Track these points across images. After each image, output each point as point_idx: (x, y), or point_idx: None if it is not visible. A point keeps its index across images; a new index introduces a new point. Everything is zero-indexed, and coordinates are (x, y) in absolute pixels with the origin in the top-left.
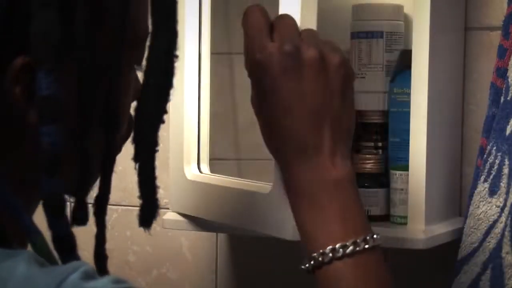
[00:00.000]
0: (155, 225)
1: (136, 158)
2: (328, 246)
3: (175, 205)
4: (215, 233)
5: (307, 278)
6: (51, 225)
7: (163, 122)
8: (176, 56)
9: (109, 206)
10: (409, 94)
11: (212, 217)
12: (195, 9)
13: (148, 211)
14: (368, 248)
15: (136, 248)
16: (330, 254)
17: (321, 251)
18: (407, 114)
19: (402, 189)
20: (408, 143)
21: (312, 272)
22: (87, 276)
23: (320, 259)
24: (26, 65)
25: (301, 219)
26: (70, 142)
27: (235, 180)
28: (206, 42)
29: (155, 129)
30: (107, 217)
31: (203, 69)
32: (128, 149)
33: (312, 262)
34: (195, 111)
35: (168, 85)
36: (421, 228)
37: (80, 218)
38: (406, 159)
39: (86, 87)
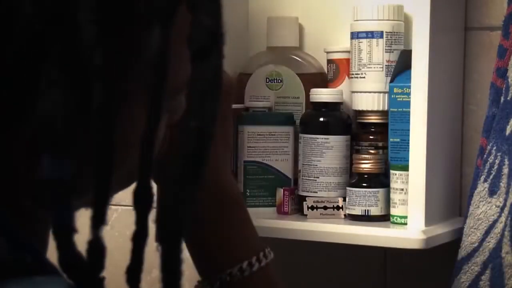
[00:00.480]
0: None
1: (159, 241)
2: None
3: None
4: None
5: (307, 278)
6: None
7: (193, 206)
8: (213, 137)
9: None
10: (409, 94)
11: None
12: None
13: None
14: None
15: None
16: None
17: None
18: (407, 114)
19: (402, 189)
20: (408, 143)
21: None
22: None
23: (227, 279)
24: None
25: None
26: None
27: None
28: None
29: (182, 214)
30: (107, 217)
31: None
32: None
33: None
34: None
35: (201, 167)
36: (421, 228)
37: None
38: (406, 159)
39: (102, 174)
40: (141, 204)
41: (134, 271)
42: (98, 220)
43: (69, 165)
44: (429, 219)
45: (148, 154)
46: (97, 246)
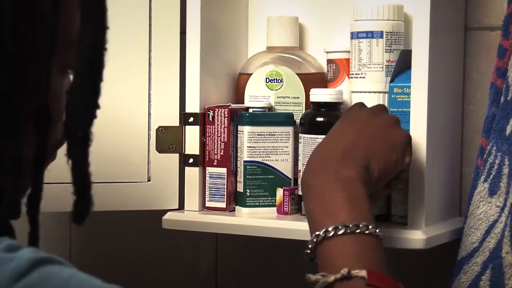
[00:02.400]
0: (155, 225)
1: (68, 154)
2: (331, 225)
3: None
4: (215, 233)
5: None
6: None
7: (95, 117)
8: (105, 49)
9: None
10: (409, 94)
11: None
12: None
13: (82, 207)
14: (368, 233)
15: (136, 248)
16: (332, 232)
17: (324, 229)
18: (407, 114)
19: (402, 189)
20: None
21: (314, 253)
22: (10, 249)
23: (323, 235)
24: None
25: (310, 208)
26: (1, 142)
27: None
28: None
29: (87, 124)
30: (107, 218)
31: None
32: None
33: (315, 240)
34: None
35: (97, 78)
36: (421, 228)
37: (13, 211)
38: None
39: (13, 86)
40: (39, 120)
41: (34, 195)
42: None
43: None
44: (429, 219)
45: (45, 74)
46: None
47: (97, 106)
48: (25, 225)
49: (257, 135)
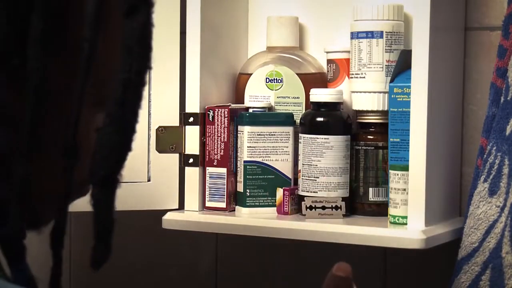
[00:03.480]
0: (155, 225)
1: (91, 194)
2: None
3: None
4: (215, 233)
5: (307, 278)
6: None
7: (124, 159)
8: (143, 89)
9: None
10: (409, 94)
11: None
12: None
13: (100, 253)
14: None
15: (136, 248)
16: None
17: None
18: (407, 114)
19: (402, 189)
20: (408, 143)
21: None
22: None
23: None
24: None
25: None
26: (23, 165)
27: None
28: None
29: (113, 166)
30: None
31: None
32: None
33: None
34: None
35: (133, 119)
36: (421, 228)
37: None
38: (406, 159)
39: (35, 117)
40: (67, 156)
41: (58, 228)
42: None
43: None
44: (429, 219)
45: (78, 108)
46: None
47: (128, 149)
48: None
49: (257, 135)
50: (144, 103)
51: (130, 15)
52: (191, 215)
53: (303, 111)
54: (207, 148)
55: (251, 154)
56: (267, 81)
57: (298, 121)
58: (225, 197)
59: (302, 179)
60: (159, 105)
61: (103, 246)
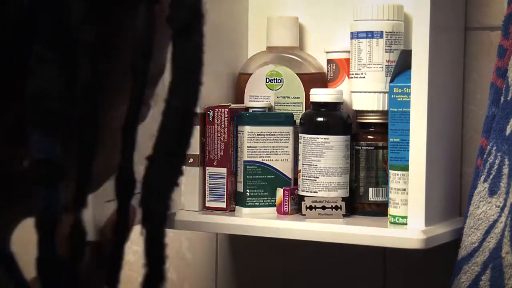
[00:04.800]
0: None
1: (143, 224)
2: None
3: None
4: (215, 233)
5: (307, 278)
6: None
7: (177, 185)
8: (196, 115)
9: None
10: (409, 94)
11: None
12: None
13: (154, 283)
14: None
15: (136, 248)
16: None
17: None
18: (407, 114)
19: (402, 189)
20: (408, 143)
21: None
22: None
23: None
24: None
25: None
26: (67, 206)
27: None
28: None
29: (166, 196)
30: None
31: None
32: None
33: None
34: None
35: (185, 146)
36: (421, 228)
37: None
38: (406, 159)
39: (85, 155)
40: (123, 191)
41: (114, 265)
42: (80, 203)
43: (57, 145)
44: (429, 219)
45: (131, 138)
46: (79, 230)
47: (177, 184)
48: None
49: (257, 135)
50: None
51: (182, 36)
52: (191, 215)
53: (303, 111)
54: (207, 148)
55: (251, 154)
56: (267, 81)
57: (298, 121)
58: (225, 197)
59: (302, 179)
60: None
61: (157, 274)
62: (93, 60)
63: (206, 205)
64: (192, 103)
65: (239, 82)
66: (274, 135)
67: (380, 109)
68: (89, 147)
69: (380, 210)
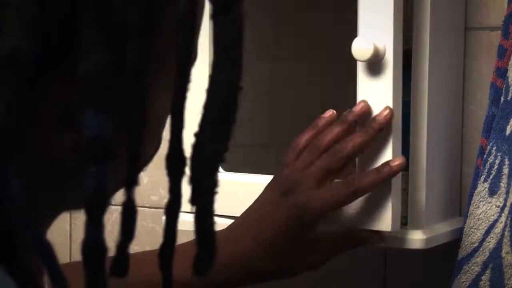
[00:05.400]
0: (155, 225)
1: (192, 201)
2: None
3: None
4: None
5: (307, 278)
6: (88, 274)
7: (223, 161)
8: (241, 88)
9: (109, 206)
10: (409, 94)
11: None
12: None
13: (205, 260)
14: None
15: (136, 248)
16: None
17: None
18: (407, 114)
19: (402, 189)
20: (408, 143)
21: None
22: None
23: None
24: (67, 103)
25: None
26: (117, 186)
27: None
28: None
29: (215, 170)
30: (107, 217)
31: None
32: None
33: None
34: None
35: (231, 120)
36: (421, 228)
37: (119, 269)
38: (406, 159)
39: (135, 130)
40: (174, 169)
41: (168, 247)
42: (131, 181)
43: (107, 122)
44: (429, 219)
45: (179, 117)
46: (131, 209)
47: (227, 149)
48: None
49: None
50: None
51: (223, 12)
52: (191, 215)
53: None
54: None
55: None
56: None
57: None
58: None
59: None
60: None
61: (208, 252)
62: (140, 40)
63: None
64: (236, 77)
65: None
66: None
67: None
68: (138, 125)
69: None
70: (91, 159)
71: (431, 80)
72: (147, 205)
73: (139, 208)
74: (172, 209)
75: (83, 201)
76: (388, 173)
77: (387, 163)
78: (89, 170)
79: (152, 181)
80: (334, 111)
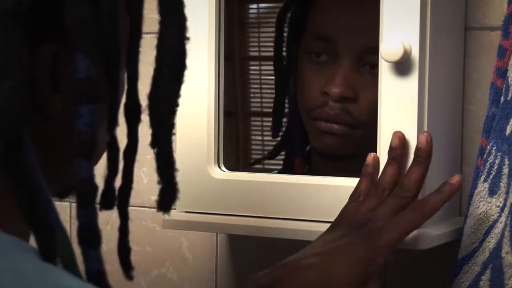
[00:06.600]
0: (155, 225)
1: (153, 144)
2: None
3: (201, 206)
4: (215, 233)
5: None
6: (81, 214)
7: (178, 105)
8: (188, 38)
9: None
10: None
11: (259, 212)
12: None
13: (168, 195)
14: None
15: (136, 248)
16: None
17: None
18: None
19: None
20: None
21: None
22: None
23: None
24: (55, 53)
25: None
26: (102, 126)
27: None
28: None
29: (172, 113)
30: (108, 217)
31: (220, 70)
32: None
33: None
34: (212, 112)
35: (182, 67)
36: (421, 228)
37: (108, 202)
38: None
39: (113, 73)
40: (131, 116)
41: (125, 189)
42: (114, 121)
43: (94, 66)
44: (429, 219)
45: (134, 68)
46: (114, 145)
47: (180, 95)
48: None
49: None
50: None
51: None
52: (191, 215)
53: None
54: None
55: None
56: None
57: None
58: None
59: None
60: None
61: (171, 187)
62: None
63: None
64: (182, 28)
65: None
66: None
67: None
68: (117, 69)
69: None
70: (82, 99)
71: (431, 80)
72: (147, 205)
73: (139, 208)
74: (129, 153)
75: (74, 140)
76: (450, 191)
77: (446, 182)
78: (81, 111)
79: (152, 181)
80: (375, 154)
